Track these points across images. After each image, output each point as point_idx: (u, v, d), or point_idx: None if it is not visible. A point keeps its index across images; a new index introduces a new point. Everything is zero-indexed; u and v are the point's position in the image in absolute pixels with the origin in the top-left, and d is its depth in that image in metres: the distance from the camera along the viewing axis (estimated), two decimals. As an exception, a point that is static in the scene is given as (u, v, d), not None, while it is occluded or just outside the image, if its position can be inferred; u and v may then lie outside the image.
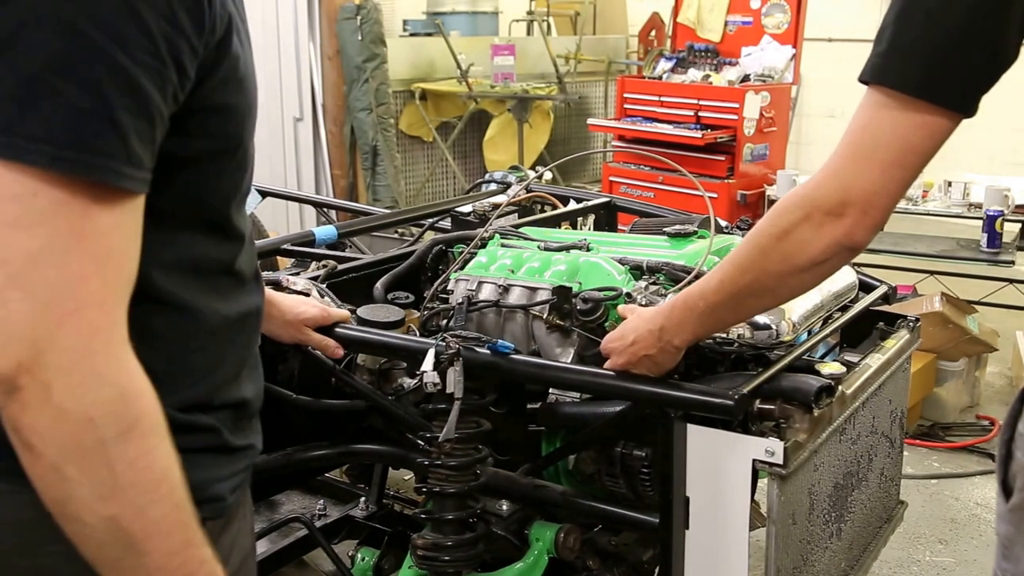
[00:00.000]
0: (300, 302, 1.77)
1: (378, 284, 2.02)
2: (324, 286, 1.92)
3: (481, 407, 1.65)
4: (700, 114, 5.52)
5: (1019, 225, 4.58)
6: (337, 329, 1.75)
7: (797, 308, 1.66)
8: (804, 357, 1.67)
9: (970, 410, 4.12)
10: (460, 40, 7.14)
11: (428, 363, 1.56)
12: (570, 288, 1.72)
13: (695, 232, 2.02)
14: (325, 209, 3.68)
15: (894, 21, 1.12)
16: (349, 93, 6.47)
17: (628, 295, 1.69)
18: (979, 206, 4.58)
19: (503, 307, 1.78)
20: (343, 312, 1.80)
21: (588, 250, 1.93)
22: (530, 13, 8.03)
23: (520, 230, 2.12)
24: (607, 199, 2.75)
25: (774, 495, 1.49)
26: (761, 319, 1.59)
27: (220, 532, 1.02)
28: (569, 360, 1.71)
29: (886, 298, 2.07)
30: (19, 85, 0.77)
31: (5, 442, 0.82)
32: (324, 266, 2.08)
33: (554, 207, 2.67)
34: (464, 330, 1.72)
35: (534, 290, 1.77)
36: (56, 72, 0.77)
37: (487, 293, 1.82)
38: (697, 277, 1.77)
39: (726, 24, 5.98)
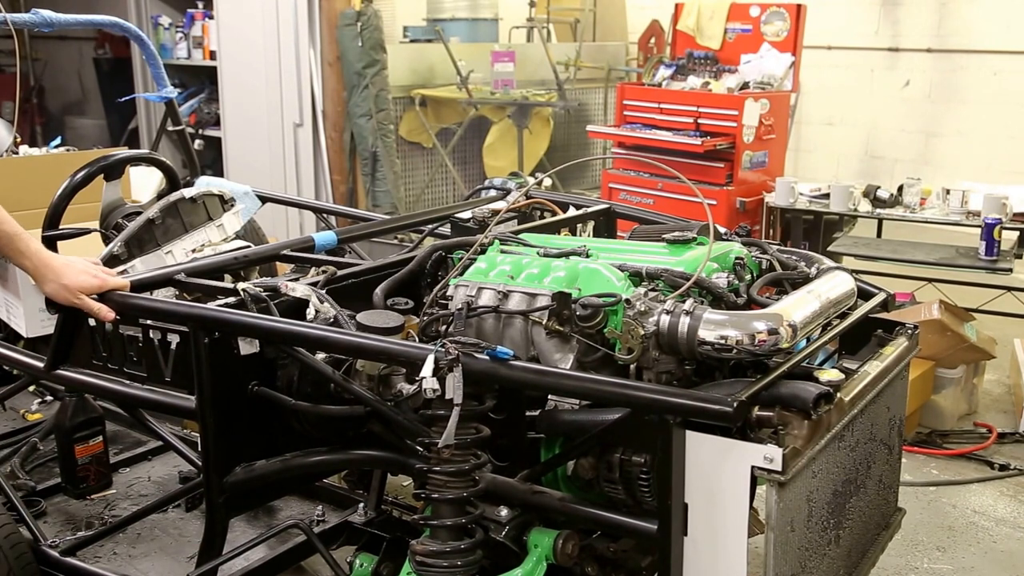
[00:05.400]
0: (80, 271, 2.01)
1: (377, 290, 2.02)
2: (323, 292, 1.93)
3: (480, 413, 1.65)
4: (699, 121, 5.53)
5: (1017, 233, 4.59)
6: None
7: (796, 314, 1.66)
8: (802, 364, 1.67)
9: (968, 417, 4.13)
10: (460, 46, 7.15)
11: (427, 369, 1.56)
12: (569, 294, 1.72)
13: (694, 239, 2.02)
14: (325, 215, 3.69)
15: None
16: (349, 99, 6.48)
17: (627, 301, 1.70)
18: (977, 214, 4.58)
19: (502, 313, 1.79)
20: (120, 281, 2.04)
21: (587, 256, 1.93)
22: (530, 20, 8.03)
23: (519, 236, 2.12)
24: (606, 206, 2.75)
25: (773, 502, 1.49)
26: (760, 324, 1.60)
27: None
28: (568, 366, 1.71)
29: (884, 305, 2.08)
30: None
31: None
32: (323, 272, 2.08)
33: (553, 213, 2.67)
34: (463, 336, 1.72)
35: (533, 296, 1.78)
36: None
37: (486, 299, 1.82)
38: (696, 283, 1.77)
39: (725, 31, 5.99)
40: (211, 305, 1.89)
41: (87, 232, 2.81)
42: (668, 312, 1.66)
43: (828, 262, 2.05)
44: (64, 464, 2.77)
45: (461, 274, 1.94)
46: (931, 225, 5.11)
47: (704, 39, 6.05)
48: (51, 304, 2.04)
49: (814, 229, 5.13)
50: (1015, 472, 3.64)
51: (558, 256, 1.92)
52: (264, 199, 3.45)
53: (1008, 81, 7.01)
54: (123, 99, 6.11)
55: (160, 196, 3.14)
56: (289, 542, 2.28)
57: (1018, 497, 3.49)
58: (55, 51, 9.75)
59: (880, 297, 2.07)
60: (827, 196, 5.03)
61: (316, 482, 2.56)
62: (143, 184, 3.89)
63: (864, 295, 2.05)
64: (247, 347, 1.85)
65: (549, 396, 1.74)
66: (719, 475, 1.50)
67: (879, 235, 5.20)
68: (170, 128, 4.00)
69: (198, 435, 1.95)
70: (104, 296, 2.00)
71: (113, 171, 2.93)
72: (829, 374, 1.61)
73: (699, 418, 1.49)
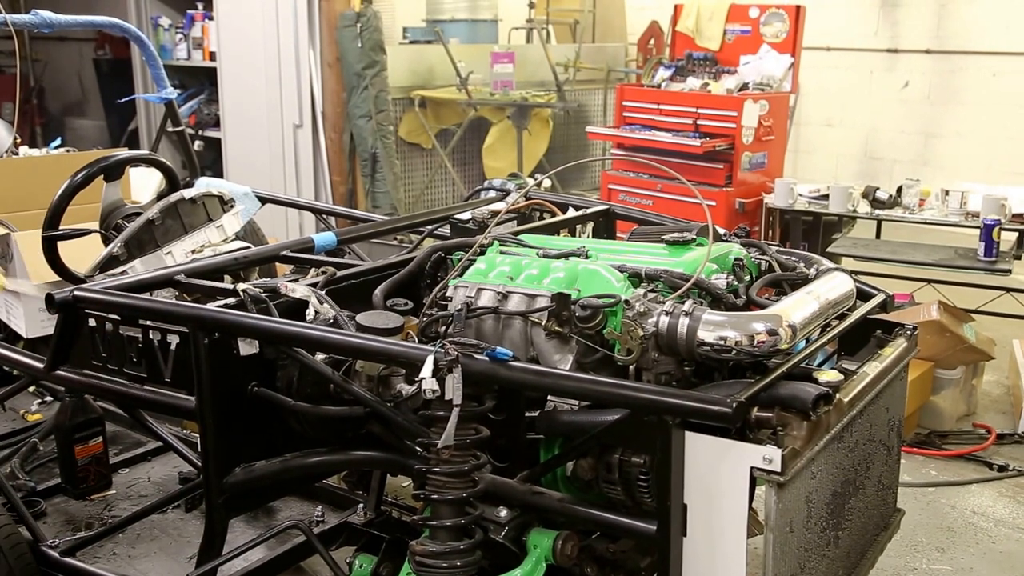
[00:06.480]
0: None
1: (377, 291, 2.02)
2: (323, 293, 1.93)
3: (479, 414, 1.65)
4: (699, 122, 5.53)
5: (1016, 234, 4.59)
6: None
7: (795, 315, 1.66)
8: (802, 365, 1.67)
9: (967, 418, 4.13)
10: (460, 48, 7.16)
11: (427, 370, 1.56)
12: (569, 295, 1.73)
13: (693, 240, 2.02)
14: (324, 216, 3.69)
15: None
16: (349, 100, 6.48)
17: (626, 302, 1.70)
18: (976, 215, 4.59)
19: (502, 314, 1.79)
20: None
21: (587, 257, 1.93)
22: (529, 21, 8.04)
23: (519, 237, 2.12)
24: (606, 207, 2.75)
25: (772, 502, 1.49)
26: (760, 325, 1.60)
27: None
28: (567, 367, 1.72)
29: (884, 306, 2.08)
30: None
31: None
32: (323, 272, 2.08)
33: (553, 214, 2.68)
34: (463, 337, 1.72)
35: (533, 297, 1.78)
36: None
37: (486, 300, 1.82)
38: (695, 284, 1.77)
39: (725, 33, 6.00)
40: (211, 306, 1.89)
41: (87, 233, 2.81)
42: (667, 313, 1.66)
43: (827, 263, 2.06)
44: (64, 464, 2.77)
45: (460, 275, 1.94)
46: (930, 226, 5.12)
47: (703, 40, 6.06)
48: (51, 304, 2.04)
49: (813, 230, 5.14)
50: (1014, 473, 3.65)
51: (557, 257, 1.92)
52: (264, 200, 3.45)
53: (1007, 82, 7.01)
54: (123, 100, 6.12)
55: (160, 197, 3.14)
56: (288, 543, 2.28)
57: (1017, 498, 3.49)
58: (55, 52, 9.75)
59: (879, 298, 2.07)
60: (826, 197, 5.04)
61: (316, 483, 2.56)
62: (143, 185, 3.89)
63: (863, 296, 2.06)
64: (247, 348, 1.85)
65: (548, 397, 1.74)
66: (718, 476, 1.50)
67: (878, 236, 5.21)
68: (170, 129, 4.00)
69: (198, 436, 1.95)
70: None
71: (113, 172, 2.93)
72: (828, 375, 1.62)
73: (698, 419, 1.49)
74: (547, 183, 2.88)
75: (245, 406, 1.88)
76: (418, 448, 1.68)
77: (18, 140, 3.93)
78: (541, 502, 1.71)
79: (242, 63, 6.64)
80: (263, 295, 1.90)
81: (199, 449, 1.95)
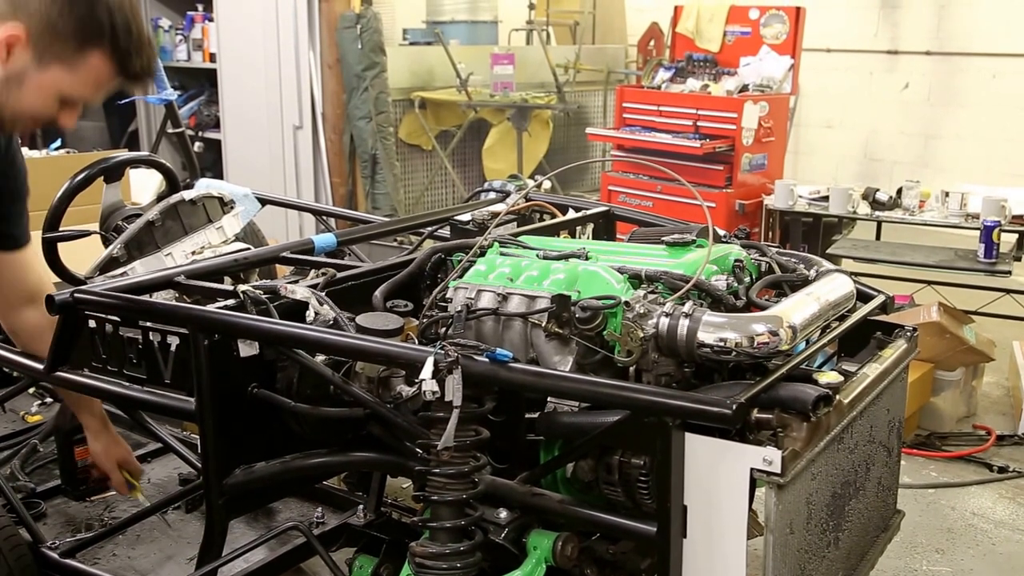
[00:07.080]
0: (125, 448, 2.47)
1: (377, 292, 2.02)
2: (323, 294, 1.93)
3: (479, 415, 1.65)
4: (698, 124, 5.53)
5: (1016, 235, 4.59)
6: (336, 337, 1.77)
7: (795, 317, 1.66)
8: (802, 366, 1.67)
9: (967, 420, 4.13)
10: (460, 49, 7.16)
11: (427, 371, 1.56)
12: (569, 296, 1.73)
13: (693, 241, 2.02)
14: (324, 217, 3.69)
15: None
16: (349, 101, 6.48)
17: (626, 303, 1.70)
18: (976, 216, 4.59)
19: (502, 315, 1.79)
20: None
21: (587, 259, 1.93)
22: (529, 22, 8.04)
23: (519, 239, 2.12)
24: (606, 208, 2.75)
25: (772, 504, 1.49)
26: (760, 326, 1.60)
27: None
28: (567, 369, 1.72)
29: (884, 308, 2.08)
30: None
31: None
32: (323, 274, 2.08)
33: (553, 216, 2.68)
34: (463, 338, 1.72)
35: (533, 298, 1.78)
36: None
37: (486, 301, 1.82)
38: (695, 285, 1.77)
39: (725, 34, 6.00)
40: (211, 307, 1.89)
41: (87, 234, 2.81)
42: (667, 314, 1.66)
43: (827, 264, 2.06)
44: (64, 466, 2.77)
45: (460, 276, 1.94)
46: (930, 227, 5.12)
47: (703, 42, 6.07)
48: (51, 305, 2.04)
49: (813, 231, 5.14)
50: (1014, 474, 3.65)
51: (557, 258, 1.92)
52: (264, 201, 3.45)
53: (1007, 84, 7.02)
54: (123, 101, 6.10)
55: (160, 198, 3.13)
56: (289, 544, 2.28)
57: (1017, 499, 3.49)
58: (55, 53, 9.74)
59: (879, 299, 2.07)
60: (826, 199, 5.04)
61: (316, 484, 2.56)
62: (143, 186, 3.90)
63: (863, 297, 2.06)
64: (247, 349, 1.85)
65: (548, 398, 1.74)
66: (718, 477, 1.50)
67: (878, 237, 5.21)
68: (170, 130, 4.02)
69: (197, 437, 1.95)
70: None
71: (113, 173, 2.93)
72: (828, 376, 1.61)
73: (698, 420, 1.49)
74: (547, 184, 2.88)
75: (245, 407, 1.88)
76: (418, 449, 1.68)
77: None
78: (541, 503, 1.71)
79: (242, 64, 6.64)
80: (263, 296, 1.90)
81: (199, 450, 1.95)
